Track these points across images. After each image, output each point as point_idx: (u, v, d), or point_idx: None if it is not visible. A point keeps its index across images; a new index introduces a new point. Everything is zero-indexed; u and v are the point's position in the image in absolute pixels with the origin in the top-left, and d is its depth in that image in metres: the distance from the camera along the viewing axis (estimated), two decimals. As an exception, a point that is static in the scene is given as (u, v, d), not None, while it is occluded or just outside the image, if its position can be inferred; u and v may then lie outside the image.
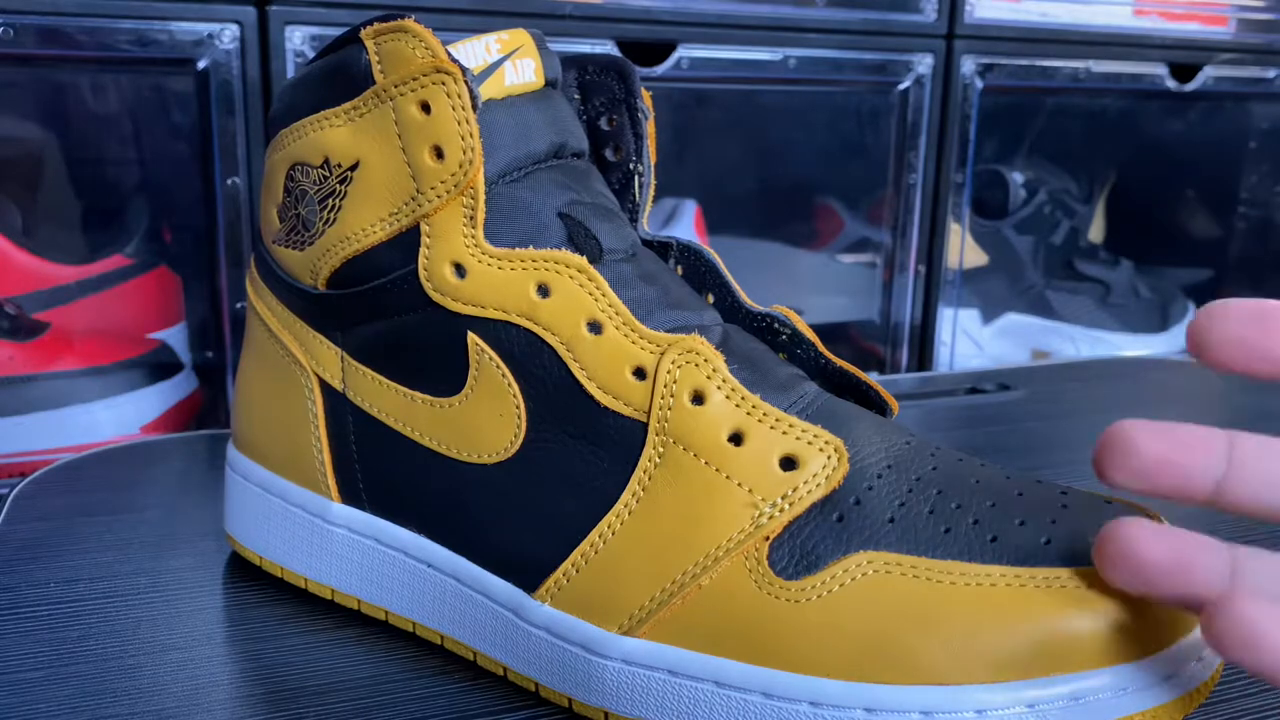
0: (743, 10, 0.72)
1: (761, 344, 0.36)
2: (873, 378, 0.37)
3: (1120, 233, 1.02)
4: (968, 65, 0.79)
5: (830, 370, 0.37)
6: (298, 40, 0.62)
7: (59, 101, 0.68)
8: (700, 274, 0.39)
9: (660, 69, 0.71)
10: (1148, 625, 0.29)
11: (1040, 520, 0.31)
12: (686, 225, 0.81)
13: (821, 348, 0.37)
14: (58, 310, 0.67)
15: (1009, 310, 0.93)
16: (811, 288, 0.89)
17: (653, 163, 0.39)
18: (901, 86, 0.78)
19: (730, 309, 0.38)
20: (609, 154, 0.39)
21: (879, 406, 0.36)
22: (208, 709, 0.34)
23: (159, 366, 0.66)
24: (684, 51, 0.71)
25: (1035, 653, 0.28)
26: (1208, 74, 0.87)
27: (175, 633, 0.38)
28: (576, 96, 0.39)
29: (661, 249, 0.39)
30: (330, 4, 0.62)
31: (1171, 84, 0.86)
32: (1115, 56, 0.84)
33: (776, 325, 0.37)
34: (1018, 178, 0.95)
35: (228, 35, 0.61)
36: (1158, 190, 1.06)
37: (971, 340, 0.91)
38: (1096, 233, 1.01)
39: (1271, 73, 0.90)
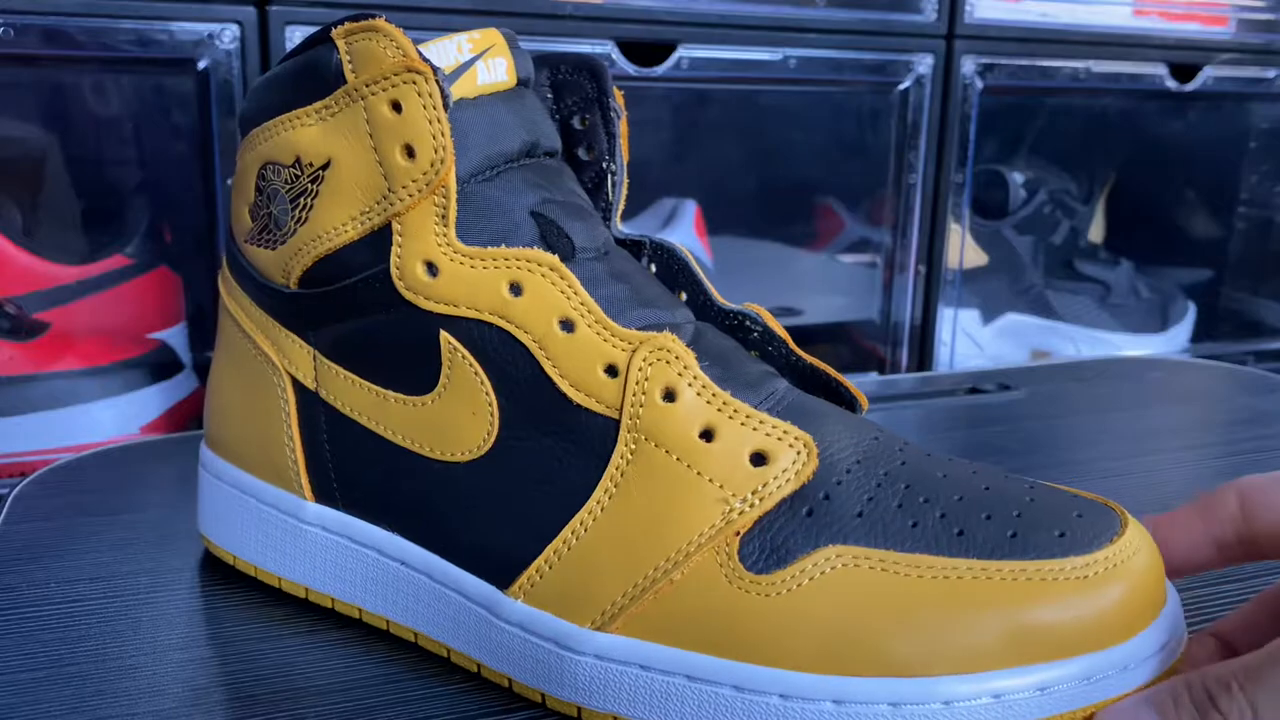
0: (743, 10, 0.72)
1: (733, 341, 0.37)
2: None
3: (1120, 233, 1.02)
4: (968, 65, 0.79)
5: (801, 367, 0.37)
6: (297, 40, 0.62)
7: (60, 102, 0.68)
8: (673, 272, 0.39)
9: (660, 69, 0.71)
10: (1112, 617, 0.29)
11: (1006, 514, 0.31)
12: (686, 225, 0.81)
13: (792, 345, 0.37)
14: (58, 310, 0.67)
15: (1009, 310, 0.93)
16: (811, 288, 0.89)
17: (625, 161, 0.40)
18: (901, 86, 0.78)
19: (702, 307, 0.38)
20: (581, 153, 0.40)
21: (849, 403, 0.37)
22: (208, 709, 0.34)
23: (159, 366, 0.67)
24: (684, 51, 0.71)
25: (1002, 644, 0.29)
26: (1208, 74, 0.87)
27: (175, 633, 0.38)
28: (549, 95, 0.39)
29: (634, 247, 0.39)
30: (330, 4, 0.63)
31: (1171, 84, 0.86)
32: (1115, 56, 0.84)
33: (748, 323, 0.38)
34: (1018, 178, 0.95)
35: (228, 35, 0.61)
36: (1158, 190, 1.06)
37: (971, 340, 0.91)
38: (1096, 233, 1.01)
39: (1271, 73, 0.90)
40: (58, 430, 0.63)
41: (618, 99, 0.39)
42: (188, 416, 0.68)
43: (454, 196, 0.34)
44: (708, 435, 0.32)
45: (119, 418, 0.64)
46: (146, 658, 0.37)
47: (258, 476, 0.40)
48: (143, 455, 0.54)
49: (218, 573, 0.42)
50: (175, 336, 0.70)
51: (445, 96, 0.33)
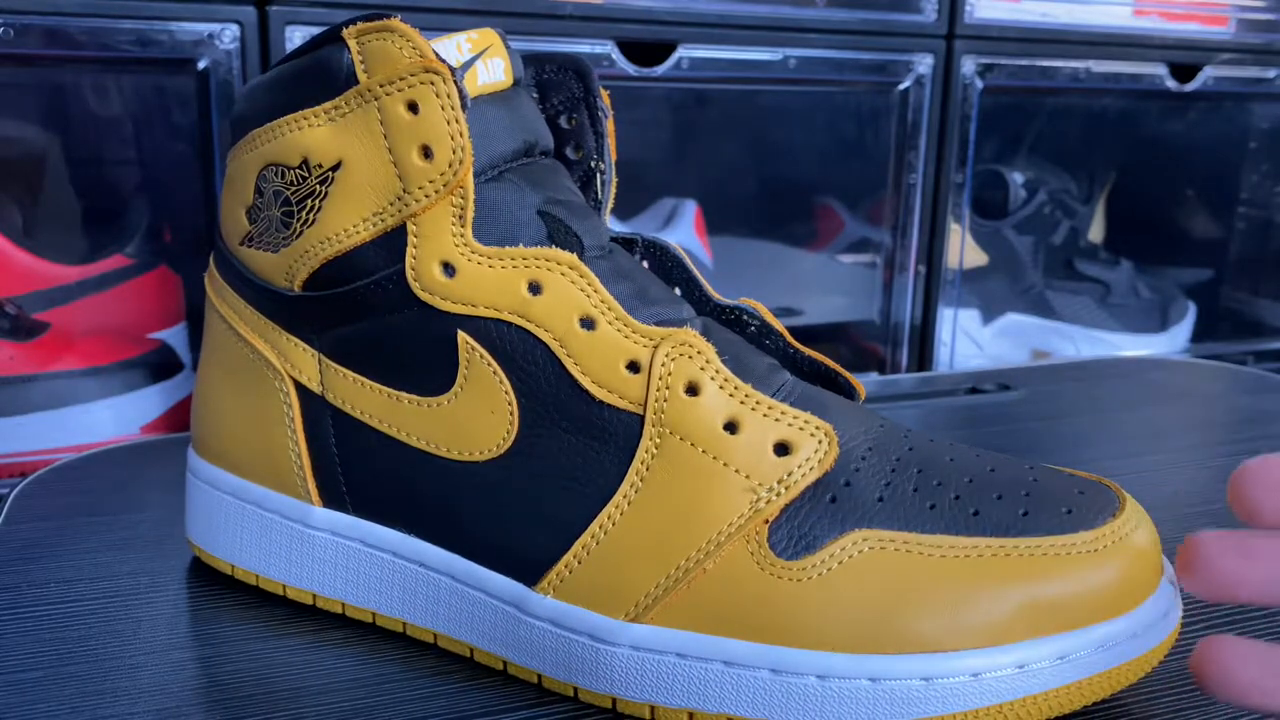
0: (743, 10, 0.72)
1: (737, 335, 0.37)
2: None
3: (1120, 233, 1.02)
4: (968, 65, 0.79)
5: (798, 359, 0.38)
6: (298, 40, 0.62)
7: (60, 102, 0.67)
8: (666, 269, 0.39)
9: (660, 69, 0.71)
10: (1120, 587, 0.31)
11: (1015, 494, 0.33)
12: (686, 225, 0.81)
13: (789, 338, 0.38)
14: (58, 310, 0.67)
15: (1009, 310, 0.93)
16: (811, 288, 0.89)
17: (613, 160, 0.40)
18: (901, 86, 0.78)
19: (698, 302, 0.39)
20: (569, 152, 0.40)
21: (847, 393, 0.38)
22: (208, 709, 0.34)
23: (159, 366, 0.67)
24: (684, 51, 0.71)
25: (1023, 617, 0.30)
26: (1208, 74, 0.87)
27: (175, 632, 0.38)
28: (535, 95, 0.39)
29: (627, 245, 0.39)
30: (330, 4, 0.62)
31: (1171, 84, 0.86)
32: (1115, 56, 0.84)
33: (745, 317, 0.38)
34: (1018, 178, 0.95)
35: (228, 35, 0.61)
36: (1158, 190, 1.06)
37: (971, 340, 0.91)
38: (1096, 233, 1.01)
39: (1271, 73, 0.90)
40: (58, 430, 0.63)
41: (604, 99, 0.39)
42: (188, 416, 0.68)
43: (471, 197, 0.34)
44: (731, 427, 0.33)
45: (119, 418, 0.64)
46: (146, 658, 0.37)
47: (259, 483, 0.39)
48: (143, 455, 0.54)
49: (217, 573, 0.42)
50: (175, 336, 0.70)
51: (463, 96, 0.33)
